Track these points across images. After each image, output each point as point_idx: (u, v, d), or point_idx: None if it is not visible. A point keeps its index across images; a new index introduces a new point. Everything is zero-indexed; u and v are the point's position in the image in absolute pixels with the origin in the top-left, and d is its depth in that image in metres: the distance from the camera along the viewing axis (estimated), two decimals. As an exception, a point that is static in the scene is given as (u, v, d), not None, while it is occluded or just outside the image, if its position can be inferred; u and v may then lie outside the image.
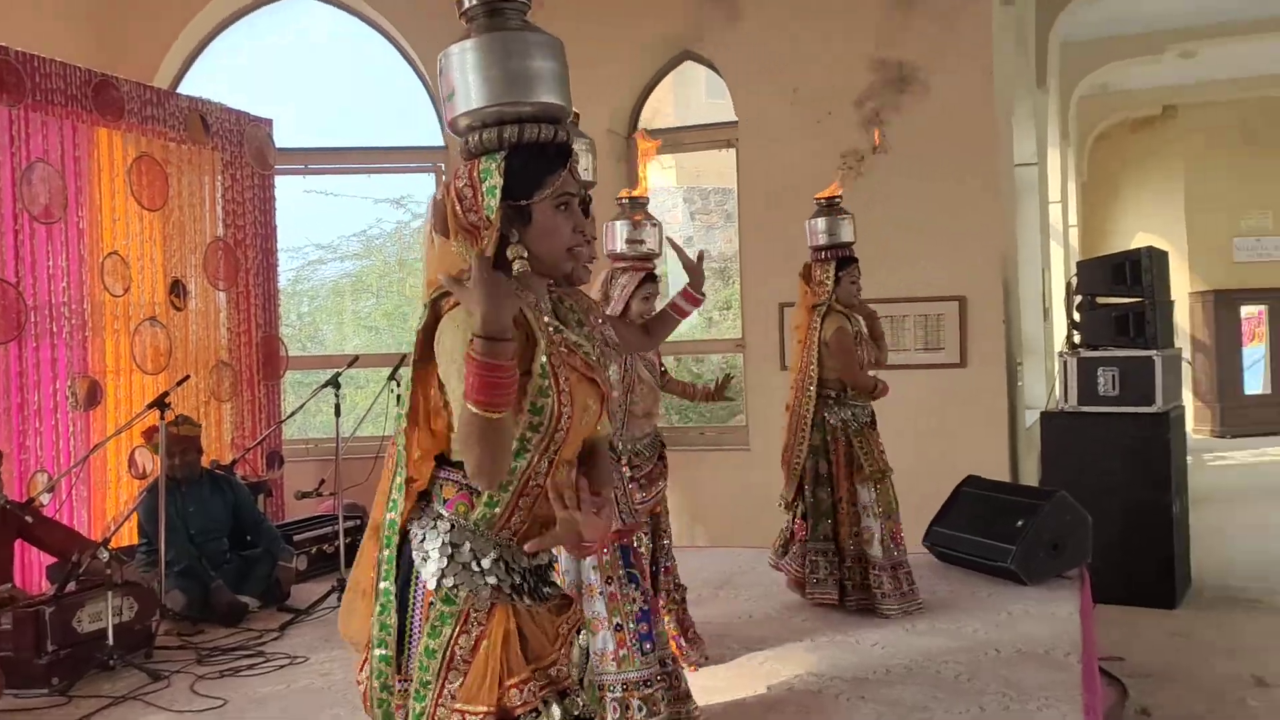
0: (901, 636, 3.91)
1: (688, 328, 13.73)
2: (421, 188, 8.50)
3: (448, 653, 1.76)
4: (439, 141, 7.09)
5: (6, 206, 4.90)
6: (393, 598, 1.82)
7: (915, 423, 6.07)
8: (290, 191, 7.29)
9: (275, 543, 5.08)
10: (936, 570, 4.91)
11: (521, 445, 1.76)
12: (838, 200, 4.59)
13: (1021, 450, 6.42)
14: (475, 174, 1.80)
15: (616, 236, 3.79)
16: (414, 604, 1.81)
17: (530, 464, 1.78)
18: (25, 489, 4.85)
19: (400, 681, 1.82)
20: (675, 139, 7.53)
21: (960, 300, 6.11)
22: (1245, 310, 13.61)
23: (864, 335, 4.57)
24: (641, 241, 3.78)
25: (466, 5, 1.80)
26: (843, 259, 4.51)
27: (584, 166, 2.86)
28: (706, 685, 3.42)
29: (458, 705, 1.75)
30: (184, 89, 6.79)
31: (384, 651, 1.82)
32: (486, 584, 1.77)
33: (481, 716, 1.73)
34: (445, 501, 1.82)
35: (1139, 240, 13.03)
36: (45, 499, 4.67)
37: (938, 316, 6.13)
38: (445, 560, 1.77)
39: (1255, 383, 13.67)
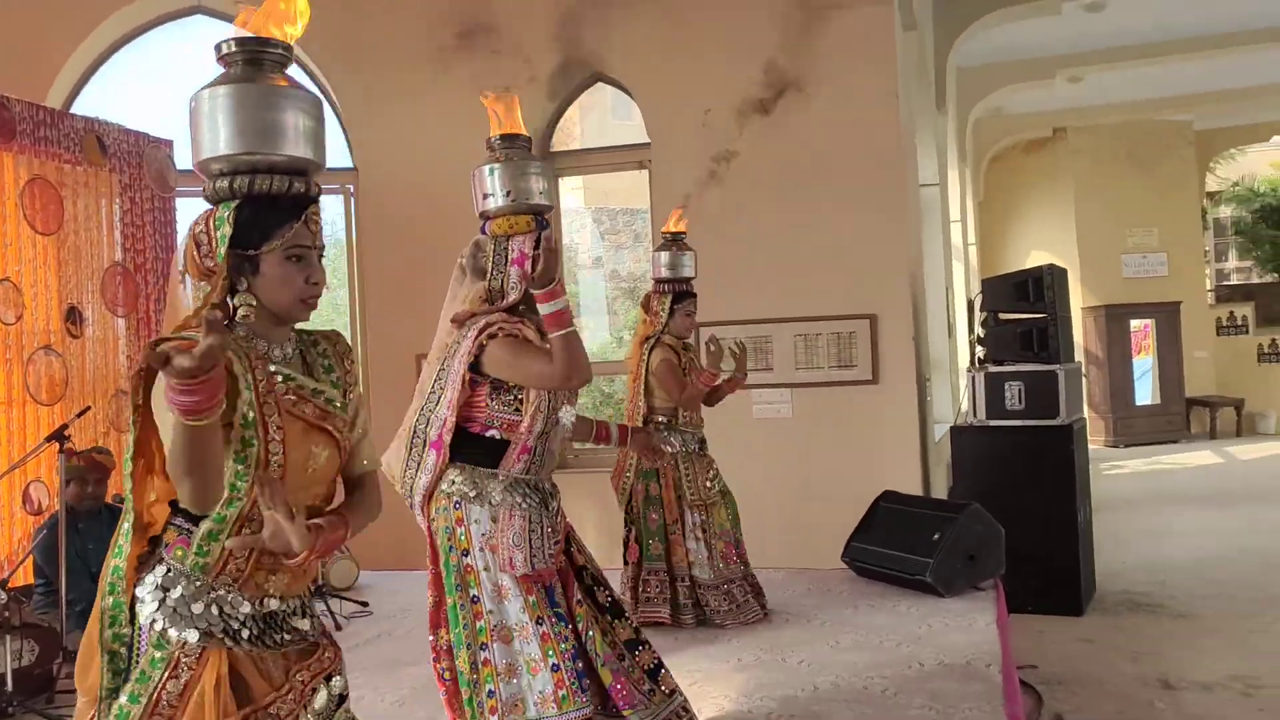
0: (826, 652, 3.94)
1: (599, 347, 13.81)
2: (331, 208, 8.34)
3: (153, 697, 1.78)
4: (348, 163, 6.97)
5: (-112, 232, 4.66)
6: (125, 642, 1.84)
7: (830, 439, 6.17)
8: (193, 214, 7.08)
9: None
10: (856, 585, 4.97)
11: (230, 493, 1.80)
12: (682, 235, 4.66)
13: (932, 464, 6.56)
14: (211, 220, 1.84)
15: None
16: (138, 650, 1.83)
17: (242, 512, 1.81)
18: (-89, 529, 4.60)
19: None
20: (586, 160, 7.55)
21: (871, 318, 6.23)
22: (1134, 324, 14.18)
23: (696, 363, 4.65)
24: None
25: (224, 51, 1.83)
26: (680, 293, 4.57)
27: (540, 189, 2.87)
28: (637, 710, 3.39)
29: None
30: (78, 109, 6.56)
31: (124, 700, 1.81)
32: (195, 629, 1.79)
33: None
34: (166, 545, 1.85)
35: (1034, 258, 13.49)
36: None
37: (850, 334, 6.24)
38: (156, 604, 1.81)
39: (1145, 394, 14.25)
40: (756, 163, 6.22)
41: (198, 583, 1.81)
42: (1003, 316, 6.39)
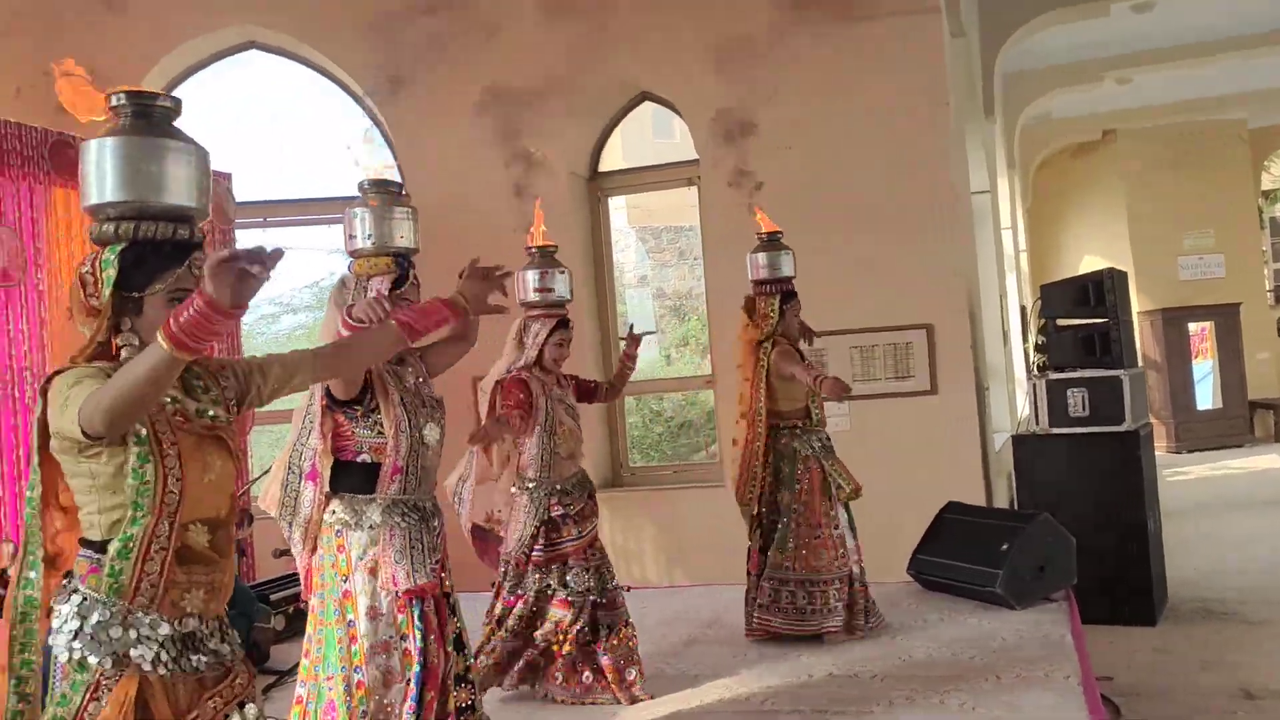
0: (899, 667, 3.89)
1: (647, 366, 13.78)
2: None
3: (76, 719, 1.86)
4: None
5: (-36, 271, 4.79)
6: (34, 669, 1.93)
7: (889, 450, 6.10)
8: (249, 242, 7.20)
9: (249, 604, 4.95)
10: (923, 598, 4.91)
11: (133, 512, 1.87)
12: (778, 235, 4.64)
13: (992, 474, 6.48)
14: (98, 262, 1.94)
15: (527, 285, 3.99)
16: (54, 678, 1.91)
17: (148, 530, 1.88)
18: (-10, 560, 4.70)
19: None
20: (635, 179, 7.57)
21: (928, 328, 6.17)
22: (1192, 327, 13.92)
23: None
24: (551, 289, 3.97)
25: (115, 103, 1.98)
26: (786, 293, 4.53)
27: (401, 234, 3.00)
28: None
29: None
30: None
31: None
32: (114, 651, 1.85)
33: None
34: (80, 576, 1.91)
35: (1087, 263, 13.31)
36: (13, 570, 4.50)
37: (906, 345, 6.19)
38: (74, 631, 1.86)
39: (1206, 398, 13.96)
40: (807, 175, 6.20)
41: (114, 607, 1.87)
42: (1061, 322, 6.30)
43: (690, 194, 7.04)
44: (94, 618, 1.86)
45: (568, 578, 3.87)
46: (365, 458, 2.89)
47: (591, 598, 3.86)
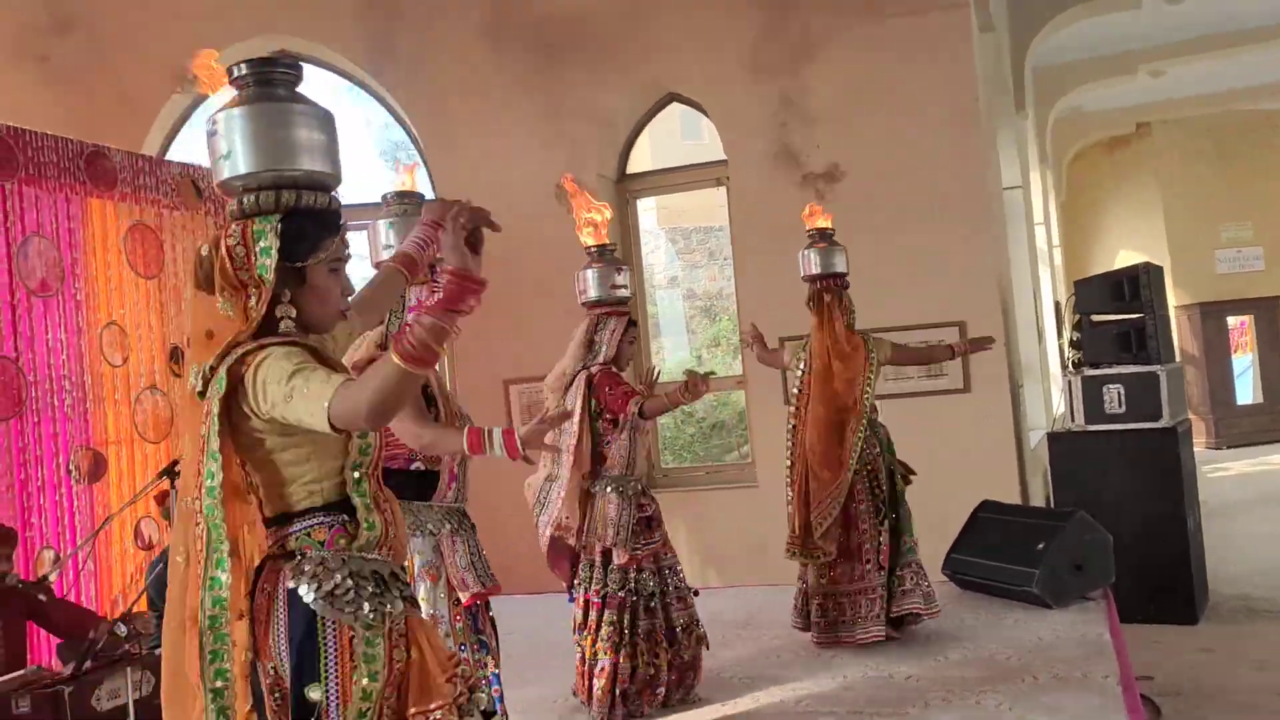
0: (935, 668, 3.86)
1: (676, 366, 13.79)
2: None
3: (388, 674, 1.83)
4: (429, 195, 7.10)
5: (3, 281, 4.86)
6: (230, 679, 1.83)
7: (923, 449, 6.03)
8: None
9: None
10: (959, 598, 4.87)
11: (359, 470, 1.90)
12: (830, 230, 4.62)
13: (1028, 472, 6.41)
14: (249, 234, 1.87)
15: (591, 283, 3.92)
16: (326, 655, 1.82)
17: (370, 490, 1.92)
18: (32, 567, 4.77)
19: None
20: (664, 180, 7.57)
21: (960, 325, 6.12)
22: (1231, 321, 13.71)
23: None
24: (620, 287, 3.93)
25: (237, 74, 1.92)
26: (842, 288, 4.54)
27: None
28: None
29: (412, 711, 1.84)
30: (172, 155, 6.78)
31: (365, 682, 1.85)
32: (398, 598, 1.88)
33: (442, 709, 1.84)
34: (321, 544, 1.86)
35: (1122, 258, 13.15)
36: (53, 577, 4.58)
37: (939, 342, 6.13)
38: (352, 593, 1.82)
39: (1246, 393, 13.75)
40: (837, 174, 6.17)
41: (372, 561, 1.88)
42: (1096, 318, 6.22)
43: (720, 194, 7.03)
44: (367, 573, 1.86)
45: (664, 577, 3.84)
46: (418, 465, 2.90)
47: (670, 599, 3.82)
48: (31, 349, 4.96)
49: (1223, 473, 11.61)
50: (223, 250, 1.88)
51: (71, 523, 5.09)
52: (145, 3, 6.70)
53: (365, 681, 1.81)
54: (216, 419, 1.81)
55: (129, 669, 3.81)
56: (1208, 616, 5.92)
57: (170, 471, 4.47)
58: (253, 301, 1.87)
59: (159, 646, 4.31)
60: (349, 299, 2.01)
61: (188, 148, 6.96)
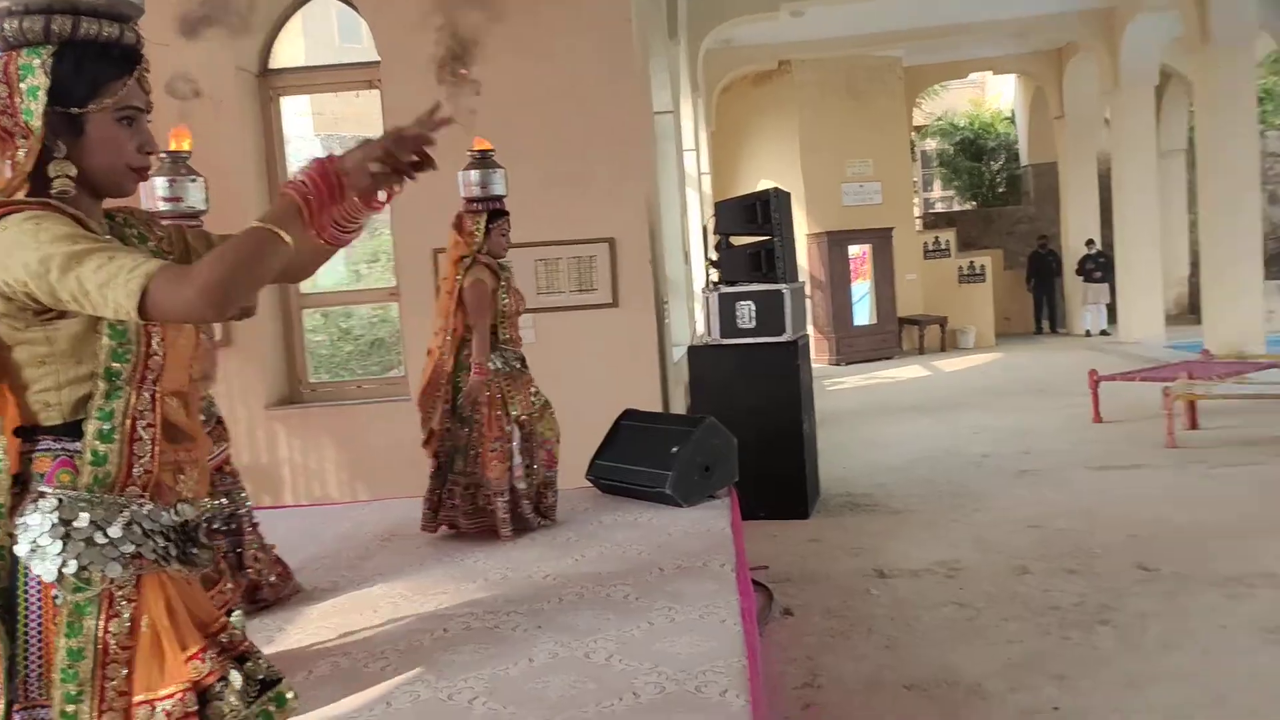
0: (571, 566, 4.02)
1: (333, 281, 13.30)
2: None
3: (98, 646, 1.52)
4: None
5: None
6: None
7: (572, 361, 6.24)
8: None
9: None
10: (600, 501, 5.09)
11: (110, 382, 1.55)
12: (490, 153, 4.61)
13: (671, 383, 6.79)
14: (13, 68, 1.53)
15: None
16: (27, 611, 1.54)
17: (129, 403, 1.57)
18: None
19: (25, 711, 1.55)
20: (311, 78, 7.17)
21: (610, 242, 6.32)
22: (853, 250, 15.15)
23: (512, 285, 4.64)
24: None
25: None
26: (494, 211, 4.55)
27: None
28: (381, 631, 3.37)
29: (138, 698, 1.53)
30: None
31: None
32: (122, 554, 1.53)
33: (176, 697, 1.53)
34: (42, 477, 1.55)
35: (763, 186, 14.08)
36: None
37: (590, 258, 6.31)
38: (61, 543, 1.50)
39: (863, 315, 15.31)
40: (491, 86, 6.10)
41: (104, 503, 1.53)
42: (734, 241, 6.64)
43: (375, 98, 6.76)
44: (84, 519, 1.51)
45: None
46: None
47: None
48: None
49: (840, 386, 12.90)
50: None
51: None
52: None
53: (64, 657, 1.51)
54: None
55: None
56: (818, 511, 6.60)
57: None
58: (20, 154, 1.52)
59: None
60: (150, 157, 1.63)
61: None
